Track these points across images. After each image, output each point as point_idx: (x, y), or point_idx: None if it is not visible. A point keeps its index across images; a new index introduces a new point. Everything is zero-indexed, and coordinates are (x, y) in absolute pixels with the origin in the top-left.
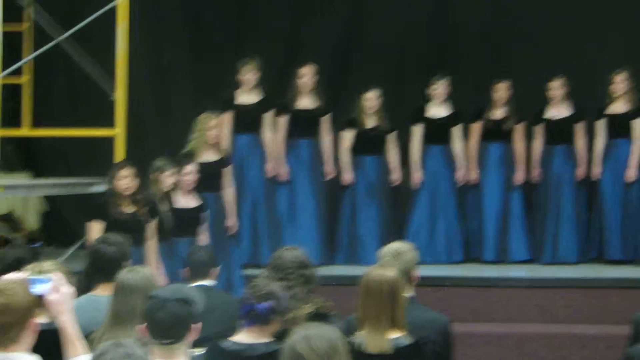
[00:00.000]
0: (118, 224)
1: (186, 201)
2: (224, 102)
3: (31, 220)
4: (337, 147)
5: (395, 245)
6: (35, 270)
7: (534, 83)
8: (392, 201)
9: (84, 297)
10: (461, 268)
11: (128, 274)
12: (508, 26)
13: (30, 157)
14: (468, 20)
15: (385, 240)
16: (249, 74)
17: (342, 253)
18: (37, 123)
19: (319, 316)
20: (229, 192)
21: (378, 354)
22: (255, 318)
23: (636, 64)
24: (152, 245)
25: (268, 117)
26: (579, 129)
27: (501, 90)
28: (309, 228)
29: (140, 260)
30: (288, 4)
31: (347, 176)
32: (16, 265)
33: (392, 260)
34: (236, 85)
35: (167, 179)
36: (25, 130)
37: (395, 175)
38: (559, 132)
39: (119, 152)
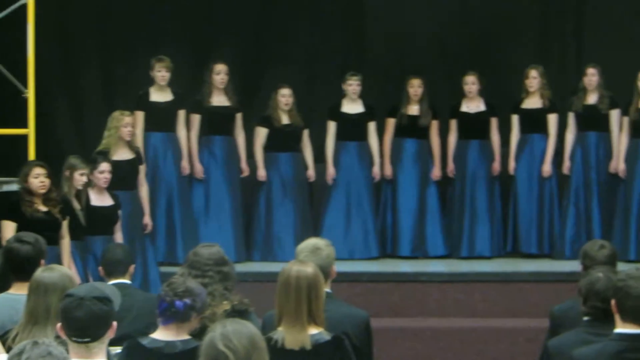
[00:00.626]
0: (31, 223)
1: (101, 199)
2: (138, 100)
3: None
4: (251, 144)
5: (313, 241)
6: None
7: (449, 79)
8: (308, 198)
9: None
10: (378, 263)
11: (44, 273)
12: (420, 23)
13: None
14: (381, 16)
15: (301, 236)
16: (162, 72)
17: (258, 250)
18: None
19: (236, 313)
20: (143, 190)
21: (297, 350)
22: (173, 315)
23: (549, 61)
24: (65, 244)
25: (182, 114)
26: (494, 124)
27: (415, 86)
28: (224, 225)
29: (54, 259)
30: (198, 1)
31: (262, 173)
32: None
33: (310, 256)
34: (149, 83)
35: (80, 177)
36: None
37: (310, 172)
38: (474, 127)
39: (31, 151)
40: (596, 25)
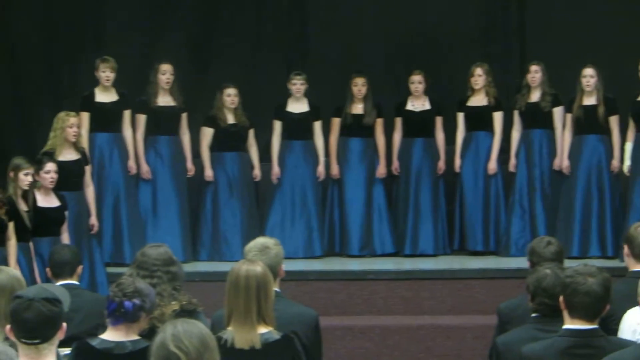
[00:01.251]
0: None
1: (47, 200)
2: (82, 101)
3: None
4: (197, 143)
5: (261, 240)
6: None
7: (394, 77)
8: (254, 197)
9: None
10: (324, 262)
11: None
12: (365, 22)
13: None
14: (325, 14)
15: (248, 236)
16: (106, 72)
17: (205, 249)
18: None
19: (185, 313)
20: (89, 191)
21: (247, 350)
22: (122, 316)
23: (493, 59)
24: (11, 245)
25: (127, 114)
26: (439, 122)
27: (359, 85)
28: (171, 225)
29: (1, 261)
30: (143, 0)
31: (209, 173)
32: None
33: (259, 255)
34: (94, 83)
35: (25, 177)
36: None
37: (256, 171)
38: (419, 125)
39: None
40: (539, 22)
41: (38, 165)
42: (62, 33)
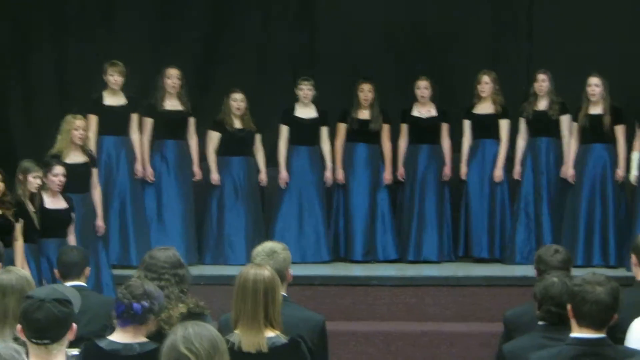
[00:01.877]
0: None
1: (54, 202)
2: (91, 104)
3: None
4: (204, 148)
5: (269, 245)
6: None
7: (401, 83)
8: (260, 202)
9: None
10: (329, 267)
11: (1, 275)
12: (372, 27)
13: None
14: (333, 20)
15: (253, 240)
16: (114, 76)
17: (210, 253)
18: None
19: (192, 316)
20: (96, 193)
21: (254, 353)
22: (131, 318)
23: (501, 66)
24: (19, 246)
25: (135, 118)
26: (445, 129)
27: (365, 91)
28: (176, 228)
29: (7, 262)
30: (151, 5)
31: (215, 177)
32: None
33: (267, 259)
34: (103, 86)
35: (34, 180)
36: None
37: (262, 176)
38: (425, 132)
39: None
40: (547, 31)
41: (46, 168)
42: (72, 35)
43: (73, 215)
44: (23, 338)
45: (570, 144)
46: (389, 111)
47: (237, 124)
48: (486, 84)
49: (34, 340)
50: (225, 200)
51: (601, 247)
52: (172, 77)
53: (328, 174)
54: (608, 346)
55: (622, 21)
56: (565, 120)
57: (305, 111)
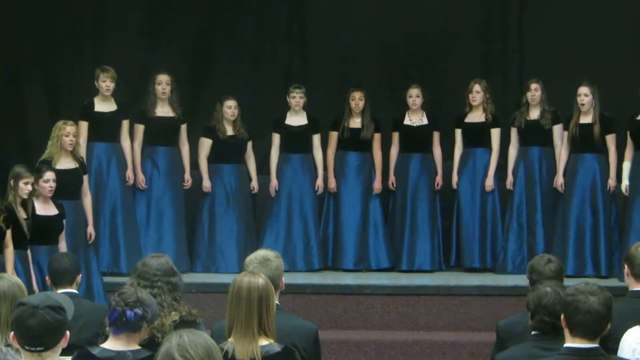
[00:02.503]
0: None
1: (45, 209)
2: (82, 110)
3: None
4: (195, 154)
5: (262, 253)
6: None
7: (392, 92)
8: (251, 209)
9: None
10: (321, 275)
11: None
12: (363, 36)
13: None
14: (324, 28)
15: (244, 248)
16: (106, 82)
17: (201, 261)
18: None
19: (185, 323)
20: (87, 200)
21: None
22: (124, 325)
23: (492, 75)
24: (9, 253)
25: (126, 124)
26: (436, 138)
27: (357, 99)
28: (167, 235)
29: None
30: (142, 11)
31: (207, 184)
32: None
33: (259, 267)
34: (93, 92)
35: (25, 185)
36: None
37: (254, 183)
38: (416, 140)
39: None
40: (538, 40)
41: (37, 174)
42: (62, 42)
43: (64, 221)
44: (16, 345)
45: (561, 154)
46: (380, 119)
47: (229, 131)
48: (477, 92)
49: (27, 348)
50: (217, 207)
51: (592, 257)
52: (162, 82)
53: (319, 181)
54: (601, 356)
55: (613, 28)
56: (557, 129)
57: (296, 119)
